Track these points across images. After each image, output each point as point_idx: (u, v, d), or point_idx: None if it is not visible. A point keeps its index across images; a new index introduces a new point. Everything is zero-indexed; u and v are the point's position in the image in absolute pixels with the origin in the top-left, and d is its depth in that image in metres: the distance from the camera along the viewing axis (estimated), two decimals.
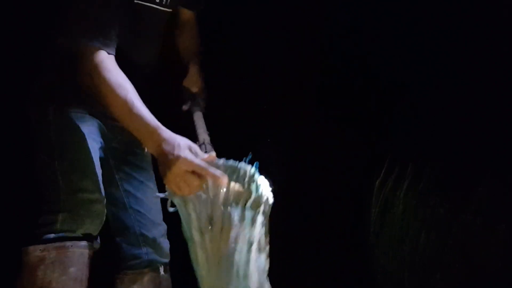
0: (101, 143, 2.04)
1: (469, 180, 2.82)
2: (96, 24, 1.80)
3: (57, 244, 1.88)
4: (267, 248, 1.68)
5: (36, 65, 2.04)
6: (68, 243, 1.89)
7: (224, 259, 1.64)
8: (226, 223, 1.63)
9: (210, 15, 2.48)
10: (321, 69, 3.08)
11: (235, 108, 2.97)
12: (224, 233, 1.63)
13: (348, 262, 2.93)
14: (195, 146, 1.69)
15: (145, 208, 2.16)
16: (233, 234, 1.62)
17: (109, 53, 1.81)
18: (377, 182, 2.98)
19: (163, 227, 2.22)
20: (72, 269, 1.90)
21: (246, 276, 1.64)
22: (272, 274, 1.87)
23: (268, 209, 1.68)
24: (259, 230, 1.64)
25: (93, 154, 1.98)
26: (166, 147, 1.65)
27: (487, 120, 2.87)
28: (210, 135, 2.10)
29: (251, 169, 1.66)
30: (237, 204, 1.62)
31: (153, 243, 2.17)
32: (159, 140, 1.67)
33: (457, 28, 2.92)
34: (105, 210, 1.98)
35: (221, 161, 1.71)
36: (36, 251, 1.88)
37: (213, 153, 1.90)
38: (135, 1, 1.93)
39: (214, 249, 1.64)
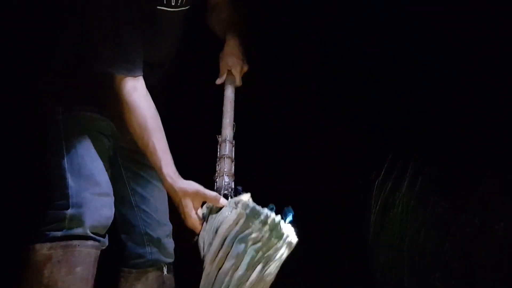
0: (109, 142, 2.03)
1: (469, 180, 2.84)
2: (122, 51, 1.84)
3: (64, 243, 1.87)
4: None
5: (46, 66, 2.04)
6: (75, 242, 1.87)
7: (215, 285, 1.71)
8: (221, 254, 1.69)
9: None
10: (322, 69, 3.10)
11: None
12: (217, 262, 1.70)
13: (348, 262, 2.94)
14: (201, 192, 1.80)
15: (151, 208, 2.16)
16: (225, 267, 1.68)
17: (136, 76, 1.86)
18: (376, 182, 3.00)
19: (169, 227, 2.21)
20: (78, 269, 1.88)
21: None
22: None
23: (282, 258, 1.72)
24: (257, 274, 1.68)
25: (101, 153, 1.98)
26: (173, 195, 1.84)
27: (486, 120, 2.90)
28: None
29: (275, 217, 1.69)
30: (242, 242, 1.67)
31: (158, 243, 2.17)
32: (168, 186, 1.84)
33: (457, 30, 2.95)
34: (113, 209, 1.98)
35: (246, 201, 1.75)
36: (43, 249, 1.86)
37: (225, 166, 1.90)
38: (157, 7, 1.93)
39: (209, 274, 1.71)
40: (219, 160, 1.92)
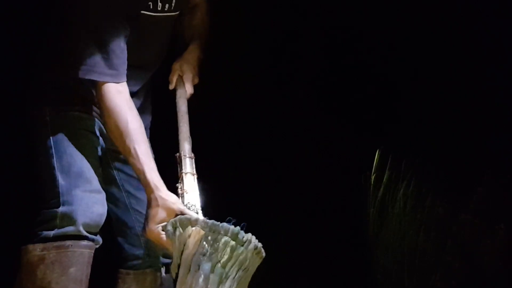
0: (100, 142, 2.03)
1: (469, 180, 2.83)
2: (105, 57, 1.83)
3: (57, 243, 1.86)
4: None
5: (33, 66, 2.04)
6: (68, 243, 1.87)
7: None
8: (190, 279, 1.63)
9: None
10: (319, 68, 3.09)
11: (230, 103, 2.97)
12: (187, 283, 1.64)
13: (348, 262, 2.93)
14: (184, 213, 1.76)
15: (145, 209, 2.15)
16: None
17: (119, 82, 1.85)
18: (374, 182, 2.99)
19: None
20: (72, 269, 1.87)
21: None
22: (273, 274, 1.87)
23: (250, 266, 1.66)
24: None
25: (91, 152, 1.98)
26: (152, 202, 1.82)
27: (487, 119, 2.89)
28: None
29: (233, 229, 1.63)
30: (209, 260, 1.62)
31: (155, 244, 2.17)
32: (150, 193, 1.83)
33: (456, 29, 2.94)
34: (106, 206, 1.98)
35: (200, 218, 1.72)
36: (35, 250, 1.86)
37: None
38: (142, 12, 1.93)
39: None
40: (181, 177, 1.89)
